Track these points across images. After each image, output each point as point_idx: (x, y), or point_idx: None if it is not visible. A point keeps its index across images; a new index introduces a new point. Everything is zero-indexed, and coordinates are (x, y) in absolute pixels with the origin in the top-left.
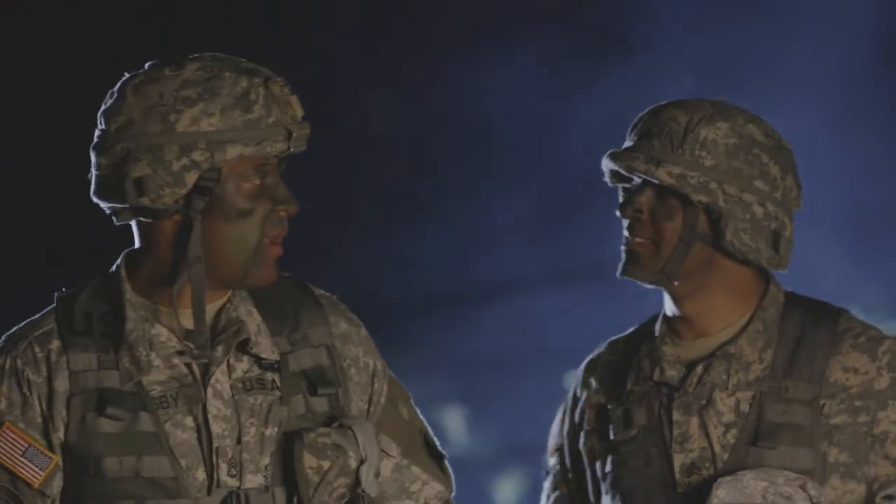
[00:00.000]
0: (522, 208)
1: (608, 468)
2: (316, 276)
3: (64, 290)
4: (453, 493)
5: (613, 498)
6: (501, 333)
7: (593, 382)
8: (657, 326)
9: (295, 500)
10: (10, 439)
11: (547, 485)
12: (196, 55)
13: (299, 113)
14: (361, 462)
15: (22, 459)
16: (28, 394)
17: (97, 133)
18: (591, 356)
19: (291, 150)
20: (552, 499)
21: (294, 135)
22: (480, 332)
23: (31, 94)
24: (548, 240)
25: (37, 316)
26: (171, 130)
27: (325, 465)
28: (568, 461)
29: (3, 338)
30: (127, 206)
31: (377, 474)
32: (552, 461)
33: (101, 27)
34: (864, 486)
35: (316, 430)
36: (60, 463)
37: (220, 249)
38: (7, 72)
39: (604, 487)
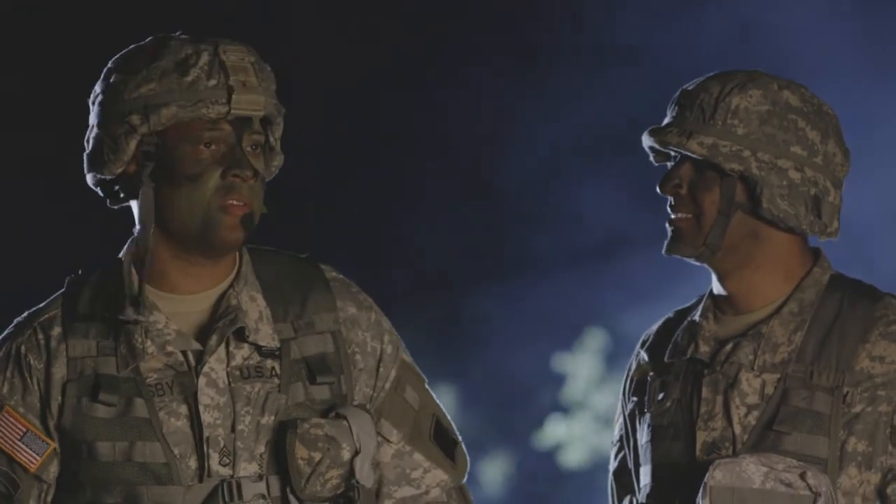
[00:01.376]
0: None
1: (645, 439)
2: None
3: (80, 272)
4: (464, 480)
5: (646, 469)
6: (495, 313)
7: (643, 353)
8: (703, 302)
9: (288, 489)
10: (9, 423)
11: (611, 455)
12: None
13: (253, 80)
14: (356, 453)
15: (20, 444)
16: (29, 379)
17: None
18: (649, 329)
19: (233, 112)
20: (613, 469)
21: (234, 97)
22: (473, 311)
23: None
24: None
25: (45, 302)
26: (119, 100)
27: (317, 456)
28: (626, 431)
29: (13, 324)
30: (95, 183)
31: (375, 464)
32: (615, 431)
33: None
34: (879, 476)
35: (309, 421)
36: (58, 449)
37: (173, 216)
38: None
39: (641, 458)
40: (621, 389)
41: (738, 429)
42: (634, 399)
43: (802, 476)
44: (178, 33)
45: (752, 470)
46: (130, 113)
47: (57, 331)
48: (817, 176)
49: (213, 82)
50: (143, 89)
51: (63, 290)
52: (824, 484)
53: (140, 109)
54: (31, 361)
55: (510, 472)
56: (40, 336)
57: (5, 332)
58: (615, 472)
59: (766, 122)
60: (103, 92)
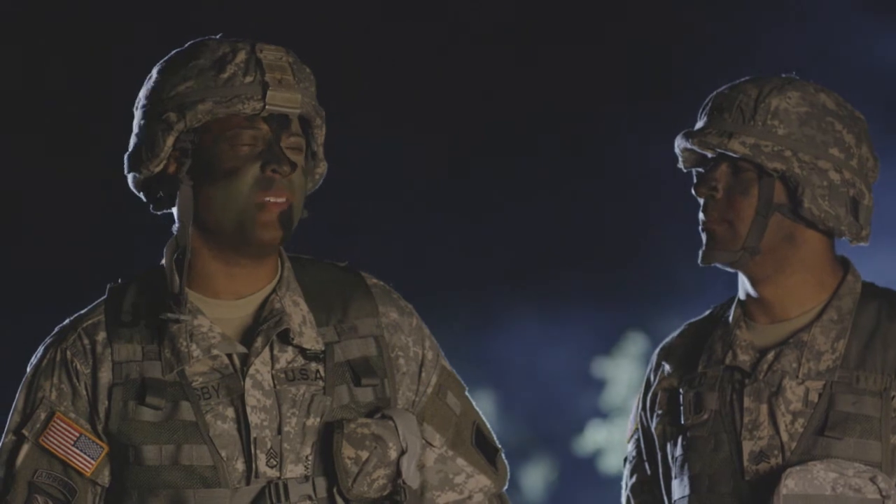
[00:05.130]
0: None
1: (678, 452)
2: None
3: (119, 281)
4: (505, 487)
5: (682, 482)
6: (535, 318)
7: (666, 366)
8: (731, 310)
9: (335, 490)
10: (62, 429)
11: (625, 472)
12: None
13: (290, 78)
14: (402, 453)
15: (74, 449)
16: (77, 384)
17: None
18: (665, 340)
19: (268, 108)
20: (629, 485)
21: (268, 93)
22: (512, 316)
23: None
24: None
25: (87, 308)
26: (157, 100)
27: (364, 455)
28: (643, 446)
29: (55, 330)
30: (136, 185)
31: (420, 466)
32: (629, 447)
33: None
34: None
35: (356, 421)
36: (109, 452)
37: (211, 213)
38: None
39: (673, 471)
40: (637, 405)
41: (785, 436)
42: (660, 412)
43: (873, 479)
44: (218, 36)
45: (823, 476)
46: (167, 111)
47: (102, 336)
48: (854, 178)
49: (248, 79)
50: (180, 87)
51: (104, 297)
52: (894, 487)
53: (177, 107)
54: (78, 366)
55: (551, 478)
56: (85, 341)
57: (48, 339)
58: (633, 488)
59: (805, 124)
60: (145, 96)
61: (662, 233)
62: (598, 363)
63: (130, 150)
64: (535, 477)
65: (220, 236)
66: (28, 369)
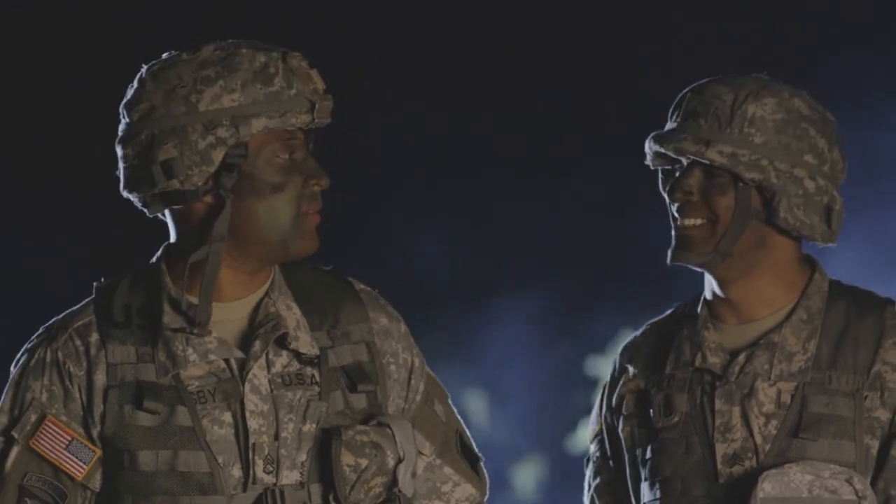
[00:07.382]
0: None
1: (648, 455)
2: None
3: (102, 280)
4: (486, 497)
5: (652, 486)
6: (525, 316)
7: (630, 367)
8: (698, 310)
9: (331, 497)
10: (53, 432)
11: (588, 472)
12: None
13: (321, 85)
14: (399, 461)
15: (65, 453)
16: (70, 386)
17: (121, 126)
18: (628, 340)
19: (316, 121)
20: (594, 486)
21: (317, 106)
22: (503, 314)
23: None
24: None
25: (75, 307)
26: (194, 111)
27: (363, 463)
28: (608, 447)
29: (42, 329)
30: (156, 192)
31: (414, 474)
32: (592, 448)
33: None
34: None
35: (354, 428)
36: (102, 457)
37: (253, 227)
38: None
39: (643, 474)
40: (600, 405)
41: (759, 439)
42: (627, 414)
43: (849, 480)
44: (217, 41)
45: (799, 479)
46: (215, 125)
47: (94, 337)
48: (827, 185)
49: (293, 91)
50: (224, 100)
51: (92, 296)
52: (869, 488)
53: (226, 121)
54: (71, 368)
55: (543, 477)
56: (77, 342)
57: (35, 339)
58: (597, 489)
59: (781, 131)
60: (162, 104)
61: (652, 230)
62: (591, 361)
63: (159, 160)
64: (527, 475)
65: (259, 248)
66: (13, 369)
